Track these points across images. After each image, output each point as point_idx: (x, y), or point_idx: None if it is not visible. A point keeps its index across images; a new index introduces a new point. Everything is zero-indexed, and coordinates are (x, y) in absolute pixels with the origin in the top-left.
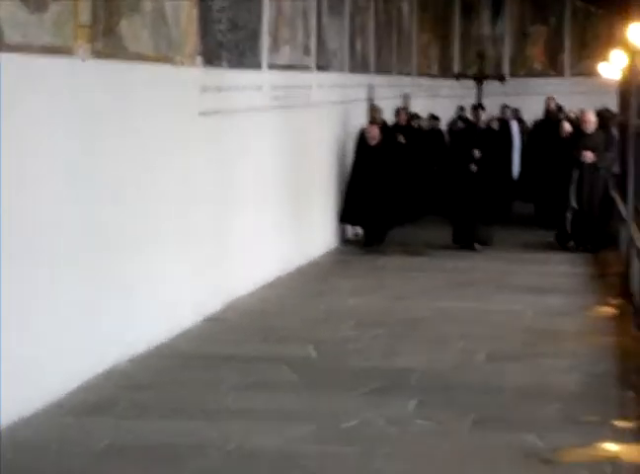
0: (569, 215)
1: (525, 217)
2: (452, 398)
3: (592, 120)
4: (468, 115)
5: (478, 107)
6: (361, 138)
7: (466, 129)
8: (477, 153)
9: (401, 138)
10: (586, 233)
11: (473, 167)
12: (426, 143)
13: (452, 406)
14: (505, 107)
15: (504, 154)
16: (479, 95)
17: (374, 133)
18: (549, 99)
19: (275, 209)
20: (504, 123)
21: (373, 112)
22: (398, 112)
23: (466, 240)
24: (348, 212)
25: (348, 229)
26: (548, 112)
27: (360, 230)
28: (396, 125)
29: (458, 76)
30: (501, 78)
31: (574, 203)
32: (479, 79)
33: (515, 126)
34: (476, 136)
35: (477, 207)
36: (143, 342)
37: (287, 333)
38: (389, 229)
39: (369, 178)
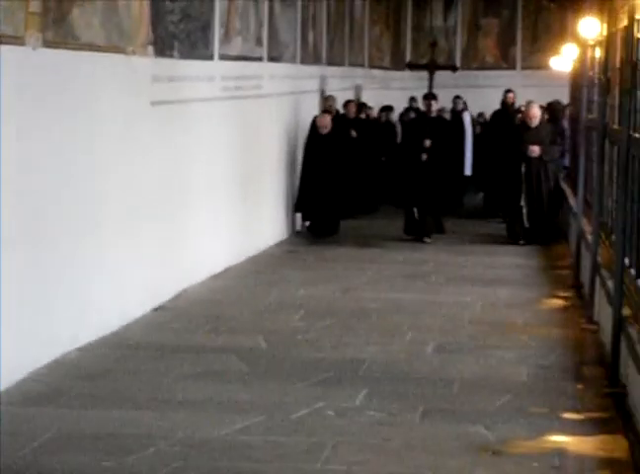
0: (523, 210)
1: (476, 209)
2: (402, 389)
3: (536, 114)
4: (420, 105)
5: (430, 96)
6: (313, 127)
7: (417, 119)
8: (428, 142)
9: (353, 133)
10: (535, 227)
11: (424, 156)
12: (377, 134)
13: (402, 397)
14: (456, 98)
15: (456, 145)
16: (431, 85)
17: (326, 122)
18: (508, 92)
19: (225, 199)
20: (456, 115)
21: (328, 101)
22: (346, 104)
23: (417, 231)
24: (302, 201)
25: (298, 220)
26: (505, 104)
27: (307, 223)
28: (345, 118)
29: (410, 66)
30: (453, 68)
31: (522, 200)
32: (431, 68)
33: (467, 118)
34: (427, 126)
35: (428, 198)
36: (93, 331)
37: (237, 323)
38: (340, 220)
39: (321, 167)
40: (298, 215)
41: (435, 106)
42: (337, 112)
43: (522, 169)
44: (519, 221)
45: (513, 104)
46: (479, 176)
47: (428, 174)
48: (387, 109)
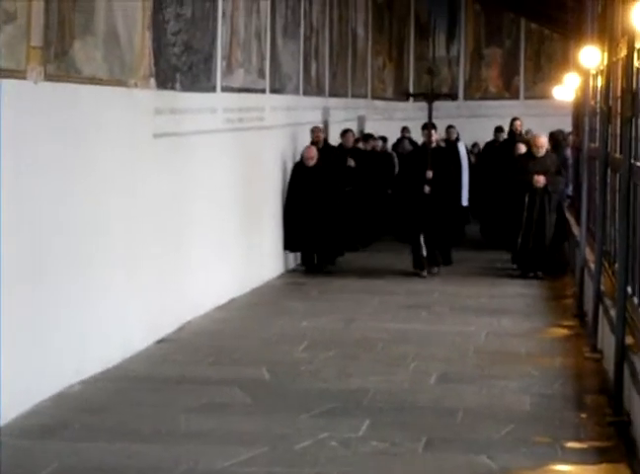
0: (520, 240)
1: (478, 240)
2: (405, 419)
3: (543, 144)
4: (412, 135)
5: (429, 126)
6: (299, 160)
7: (418, 150)
8: (430, 174)
9: (351, 162)
10: (537, 259)
11: (427, 188)
12: (376, 165)
13: (405, 427)
14: (450, 127)
15: (454, 176)
16: (430, 114)
17: (311, 154)
18: (515, 120)
19: (227, 231)
20: (450, 145)
21: (315, 132)
22: (344, 134)
23: (427, 263)
24: (289, 238)
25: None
26: (513, 133)
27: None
28: (342, 148)
29: (409, 95)
30: (452, 96)
31: (525, 230)
32: (429, 97)
33: (462, 148)
34: (428, 157)
35: (434, 231)
36: (96, 364)
37: (241, 354)
38: (337, 254)
39: (307, 200)
40: None
41: (435, 136)
42: (325, 142)
43: (526, 199)
44: (522, 252)
45: (521, 132)
46: (476, 206)
47: (431, 206)
48: (381, 139)
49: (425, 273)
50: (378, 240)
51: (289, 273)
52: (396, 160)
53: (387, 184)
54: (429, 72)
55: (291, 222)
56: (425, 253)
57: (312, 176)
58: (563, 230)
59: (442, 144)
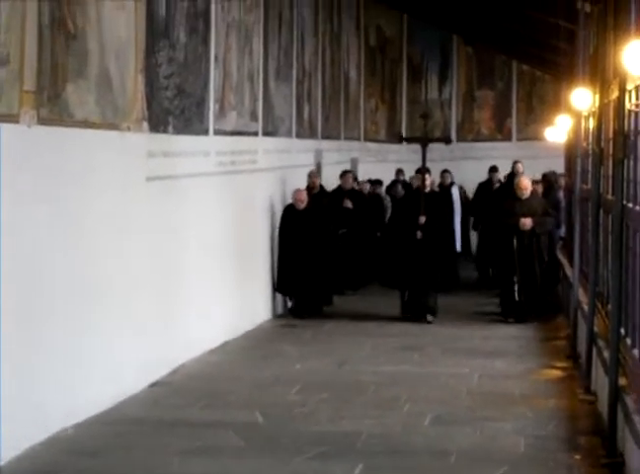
0: (515, 286)
1: (471, 283)
2: (399, 462)
3: (527, 186)
4: (407, 178)
5: (423, 170)
6: (290, 204)
7: (411, 194)
8: (423, 219)
9: (348, 203)
10: (528, 303)
11: (419, 234)
12: (367, 208)
13: (399, 470)
14: (445, 172)
15: (447, 221)
16: (424, 158)
17: (302, 197)
18: (516, 163)
19: (220, 275)
20: (444, 189)
21: (312, 177)
22: (343, 175)
23: (416, 311)
24: (281, 281)
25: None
26: (513, 175)
27: (290, 301)
28: (341, 189)
29: (402, 139)
30: (447, 140)
31: (515, 277)
32: (424, 141)
33: (455, 192)
34: (422, 202)
35: (426, 277)
36: (89, 407)
37: (234, 398)
38: (326, 299)
39: (298, 243)
40: None
41: (429, 180)
42: (321, 187)
43: (514, 242)
44: (511, 297)
45: (522, 173)
46: (468, 249)
47: (423, 252)
48: (376, 182)
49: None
50: (368, 284)
51: (282, 315)
52: (389, 203)
53: (377, 227)
54: (423, 116)
55: (283, 266)
56: (417, 300)
57: (303, 219)
58: (556, 272)
59: (437, 189)
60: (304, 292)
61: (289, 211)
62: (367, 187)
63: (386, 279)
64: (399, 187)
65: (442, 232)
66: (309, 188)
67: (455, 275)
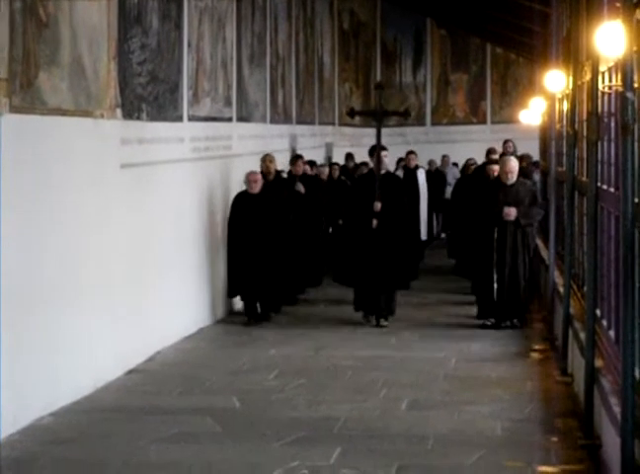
0: (494, 285)
1: (442, 271)
2: (376, 446)
3: (513, 169)
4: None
5: (378, 149)
6: (241, 192)
7: (364, 177)
8: (378, 206)
9: (300, 187)
10: (510, 307)
11: (374, 222)
12: (327, 194)
13: (376, 454)
14: (410, 153)
15: (411, 207)
16: (379, 135)
17: (257, 177)
18: (506, 142)
19: (195, 261)
20: (410, 172)
21: (265, 161)
22: (294, 160)
23: (369, 312)
24: (234, 283)
25: None
26: (504, 155)
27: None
28: (291, 175)
29: (354, 113)
30: (405, 114)
31: (494, 276)
32: (378, 115)
33: (421, 176)
34: (376, 185)
35: (381, 273)
36: (66, 396)
37: (211, 384)
38: (282, 300)
39: (251, 231)
40: None
41: (386, 158)
42: (277, 173)
43: (495, 235)
44: (489, 297)
45: (513, 153)
46: (452, 241)
47: (379, 243)
48: (335, 164)
49: (367, 319)
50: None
51: None
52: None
53: (337, 214)
54: (377, 87)
55: (234, 263)
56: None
57: (256, 205)
58: (537, 273)
59: (400, 172)
60: (259, 295)
61: (241, 196)
62: (326, 170)
63: (339, 275)
64: (363, 168)
65: (403, 220)
66: (263, 173)
67: (414, 269)
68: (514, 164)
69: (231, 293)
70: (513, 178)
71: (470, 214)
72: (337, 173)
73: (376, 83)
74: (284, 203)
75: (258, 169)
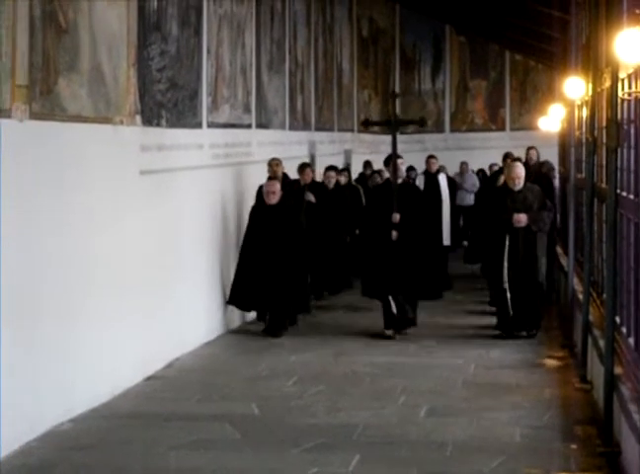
0: (507, 295)
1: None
2: (395, 453)
3: (519, 175)
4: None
5: (394, 158)
6: (259, 197)
7: (381, 188)
8: (397, 217)
9: (310, 196)
10: (525, 316)
11: (394, 234)
12: (341, 202)
13: (395, 461)
14: (430, 157)
15: (434, 213)
16: (394, 144)
17: (275, 188)
18: (530, 149)
19: (215, 267)
20: (431, 177)
21: (272, 166)
22: (302, 168)
23: (399, 324)
24: (237, 292)
25: None
26: (527, 162)
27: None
28: (299, 183)
29: (369, 123)
30: (421, 122)
31: (506, 284)
32: (393, 124)
33: (443, 181)
34: (393, 195)
35: (404, 285)
36: (85, 402)
37: (230, 390)
38: (297, 310)
39: (268, 243)
40: None
41: (403, 167)
42: (284, 176)
43: (507, 242)
44: (505, 309)
45: (536, 162)
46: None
47: (400, 255)
48: (344, 170)
49: (391, 332)
50: (349, 288)
51: None
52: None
53: (354, 223)
54: (392, 96)
55: (242, 274)
56: (395, 311)
57: (274, 216)
58: (552, 280)
59: (421, 178)
60: (273, 306)
61: (258, 207)
62: (342, 178)
63: (367, 288)
64: (376, 177)
65: (424, 229)
66: (270, 178)
67: (445, 274)
68: (520, 170)
69: (230, 301)
70: (520, 184)
71: (484, 222)
72: (343, 180)
73: (392, 92)
74: (302, 214)
75: (266, 174)
